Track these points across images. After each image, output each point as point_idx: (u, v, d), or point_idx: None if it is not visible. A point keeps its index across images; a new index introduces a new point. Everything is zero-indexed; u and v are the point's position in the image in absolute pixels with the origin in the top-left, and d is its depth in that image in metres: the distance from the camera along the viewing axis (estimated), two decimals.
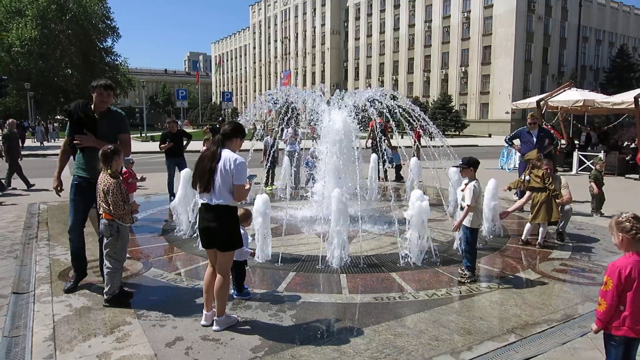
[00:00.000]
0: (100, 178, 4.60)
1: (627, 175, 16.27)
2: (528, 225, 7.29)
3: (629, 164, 16.55)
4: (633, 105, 15.89)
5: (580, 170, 17.49)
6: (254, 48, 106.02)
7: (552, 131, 11.95)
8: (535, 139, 9.48)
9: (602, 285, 2.94)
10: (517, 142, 9.98)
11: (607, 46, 68.41)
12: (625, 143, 18.80)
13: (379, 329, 4.25)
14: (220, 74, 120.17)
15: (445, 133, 47.59)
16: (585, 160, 17.44)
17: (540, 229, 7.14)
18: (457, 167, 5.76)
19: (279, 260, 6.09)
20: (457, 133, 53.02)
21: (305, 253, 6.58)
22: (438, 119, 50.48)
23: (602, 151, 17.04)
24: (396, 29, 70.90)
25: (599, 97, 18.68)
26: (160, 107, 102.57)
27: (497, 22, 57.57)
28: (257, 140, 12.80)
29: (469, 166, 5.53)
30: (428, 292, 5.20)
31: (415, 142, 14.71)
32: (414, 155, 11.30)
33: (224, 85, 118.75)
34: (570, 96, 18.51)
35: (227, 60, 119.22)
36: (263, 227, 6.06)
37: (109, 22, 54.37)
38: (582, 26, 62.92)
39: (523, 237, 7.28)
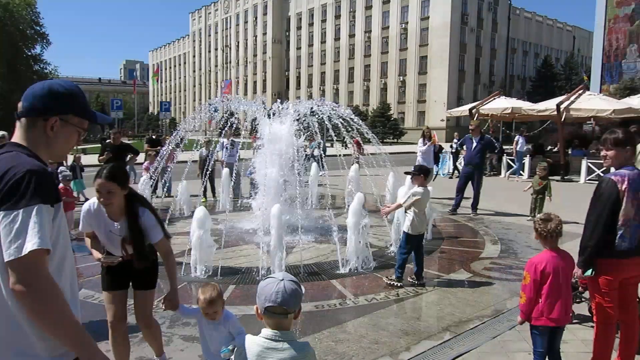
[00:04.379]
0: None
1: (550, 177, 17.28)
2: None
3: (552, 166, 17.61)
4: (555, 112, 16.98)
5: (510, 174, 18.44)
6: (194, 56, 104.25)
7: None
8: (474, 145, 10.07)
9: (522, 280, 3.20)
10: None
11: (533, 57, 72.60)
12: (549, 147, 20.00)
13: (321, 337, 4.31)
14: (158, 83, 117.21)
15: (384, 140, 48.79)
16: (513, 165, 18.43)
17: None
18: (409, 173, 5.96)
19: (218, 273, 6.02)
20: (396, 140, 54.44)
21: (245, 265, 6.54)
22: (377, 127, 51.66)
23: (528, 155, 18.08)
24: (337, 38, 72.03)
25: (525, 105, 19.83)
26: None
27: (432, 34, 59.78)
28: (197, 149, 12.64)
29: (420, 173, 5.73)
30: (367, 296, 5.33)
31: (355, 151, 15.01)
32: (353, 164, 11.53)
33: (161, 95, 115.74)
34: (500, 104, 19.57)
35: (166, 69, 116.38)
36: (202, 240, 5.97)
37: (38, 28, 51.52)
38: (511, 38, 66.67)
39: None
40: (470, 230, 8.79)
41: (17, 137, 1.73)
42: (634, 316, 3.47)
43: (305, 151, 14.38)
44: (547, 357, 3.21)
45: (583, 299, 4.61)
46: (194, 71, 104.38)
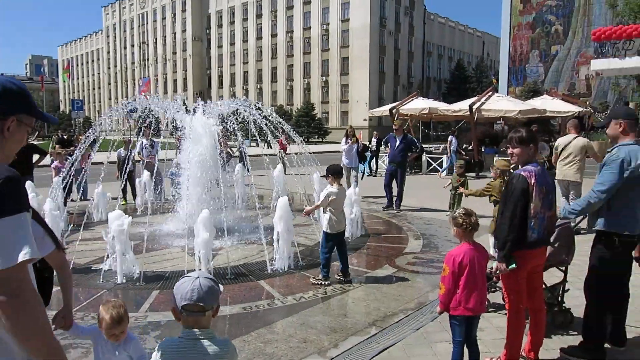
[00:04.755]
0: None
1: (466, 174, 18.27)
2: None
3: (468, 164, 18.60)
4: (468, 113, 17.99)
5: (429, 171, 19.28)
6: (108, 53, 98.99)
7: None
8: (397, 143, 10.46)
9: (442, 272, 3.35)
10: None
11: (447, 60, 76.32)
12: (464, 145, 21.12)
13: (249, 339, 4.25)
14: (69, 80, 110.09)
15: (309, 140, 49.22)
16: (432, 162, 19.30)
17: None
18: (323, 176, 6.06)
19: (141, 278, 5.78)
20: (321, 140, 55.09)
21: (170, 269, 6.33)
22: (302, 127, 52.05)
23: (445, 154, 19.00)
24: (259, 38, 71.53)
25: (441, 106, 20.82)
26: None
27: (353, 35, 61.06)
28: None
29: (329, 174, 5.83)
30: (296, 296, 5.34)
31: (279, 150, 15.02)
32: (278, 163, 11.52)
33: (74, 92, 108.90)
34: (418, 104, 20.42)
35: (78, 65, 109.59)
36: (122, 245, 5.70)
37: None
38: (427, 42, 69.79)
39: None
40: (395, 227, 9.08)
41: None
42: (540, 302, 3.74)
43: (231, 151, 14.19)
44: (465, 345, 3.37)
45: (497, 289, 4.90)
46: (109, 68, 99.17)
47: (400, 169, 10.62)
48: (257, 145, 14.53)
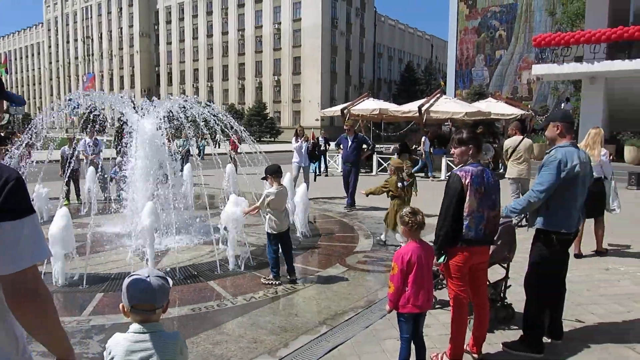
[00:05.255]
0: None
1: (415, 174, 18.67)
2: (386, 228, 7.51)
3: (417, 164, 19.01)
4: (418, 114, 18.41)
5: (379, 171, 19.59)
6: (50, 47, 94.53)
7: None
8: (349, 143, 10.59)
9: (391, 271, 3.41)
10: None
11: (397, 62, 77.83)
12: (414, 146, 21.62)
13: (197, 340, 4.18)
14: (7, 74, 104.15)
15: (262, 139, 48.91)
16: (383, 162, 19.61)
17: (391, 232, 7.35)
18: (263, 178, 5.99)
19: (84, 281, 5.57)
20: (273, 139, 54.85)
21: (115, 271, 6.12)
22: (254, 126, 51.64)
23: (396, 154, 19.32)
24: (209, 35, 70.36)
25: (391, 107, 21.20)
26: None
27: (305, 35, 61.18)
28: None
29: (267, 174, 5.79)
30: (246, 296, 5.29)
31: (230, 149, 14.85)
32: (229, 163, 11.38)
33: (12, 88, 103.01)
34: (369, 105, 20.72)
35: (16, 59, 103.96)
36: (63, 247, 5.46)
37: None
38: (377, 43, 70.85)
39: (382, 240, 7.64)
40: (346, 226, 9.16)
41: None
42: (484, 298, 3.87)
43: (179, 149, 13.90)
44: (412, 341, 3.44)
45: (444, 286, 5.04)
46: (51, 63, 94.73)
47: (354, 169, 10.76)
48: (208, 144, 14.30)
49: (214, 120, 8.10)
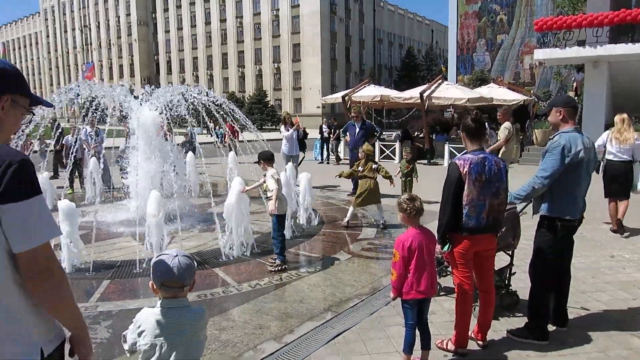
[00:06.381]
0: None
1: (418, 161, 18.66)
2: (351, 209, 8.02)
3: (420, 151, 18.94)
4: (419, 100, 18.31)
5: (382, 158, 19.54)
6: (48, 37, 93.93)
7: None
8: (357, 130, 10.46)
9: (392, 258, 3.42)
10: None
11: (397, 48, 77.35)
12: (416, 133, 21.57)
13: None
14: None
15: (263, 127, 48.78)
16: (385, 150, 19.57)
17: (351, 210, 7.99)
18: (256, 162, 6.09)
19: (90, 269, 5.61)
20: (275, 127, 54.72)
21: (121, 258, 6.17)
22: (255, 114, 51.50)
23: (398, 141, 19.27)
24: (208, 23, 69.85)
25: (393, 93, 21.11)
26: None
27: (304, 22, 60.72)
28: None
29: (261, 159, 5.90)
30: (251, 283, 5.32)
31: (230, 137, 14.80)
32: (230, 150, 11.36)
33: None
34: (370, 92, 20.63)
35: (14, 50, 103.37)
36: (69, 235, 5.50)
37: None
38: (377, 29, 70.32)
39: (345, 222, 7.94)
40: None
41: None
42: (490, 285, 3.85)
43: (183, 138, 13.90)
44: (417, 327, 3.46)
45: (448, 273, 5.05)
46: (49, 53, 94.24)
47: None
48: (210, 133, 14.27)
49: (226, 110, 8.19)
